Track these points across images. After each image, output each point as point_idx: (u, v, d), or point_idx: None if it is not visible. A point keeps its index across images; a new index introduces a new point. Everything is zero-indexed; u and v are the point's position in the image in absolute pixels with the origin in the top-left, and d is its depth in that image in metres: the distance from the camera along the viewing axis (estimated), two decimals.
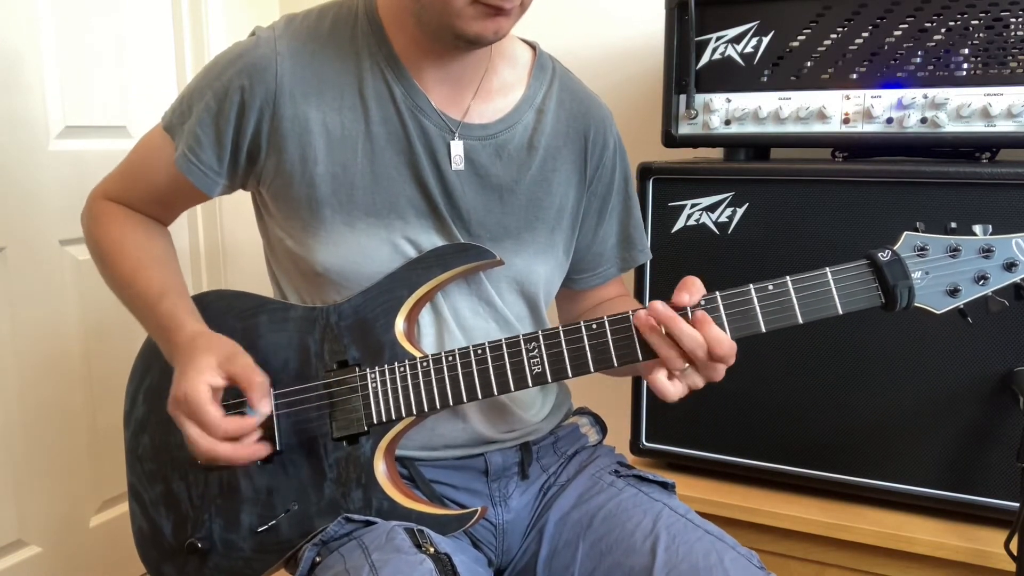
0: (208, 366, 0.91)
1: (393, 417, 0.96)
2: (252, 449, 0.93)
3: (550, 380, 0.92)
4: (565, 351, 0.92)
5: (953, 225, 0.87)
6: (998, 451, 1.21)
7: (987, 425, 1.22)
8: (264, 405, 0.93)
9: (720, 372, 0.89)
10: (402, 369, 0.96)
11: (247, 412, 0.92)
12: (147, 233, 1.08)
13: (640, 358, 0.90)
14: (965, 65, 1.22)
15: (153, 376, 1.07)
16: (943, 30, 1.22)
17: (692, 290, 0.88)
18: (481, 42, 0.93)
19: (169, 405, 0.93)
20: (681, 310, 0.87)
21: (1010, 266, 0.85)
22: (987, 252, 0.85)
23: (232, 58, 0.98)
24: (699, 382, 0.89)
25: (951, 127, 1.24)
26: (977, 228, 0.86)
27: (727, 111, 1.36)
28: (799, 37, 1.30)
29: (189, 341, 0.95)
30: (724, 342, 0.86)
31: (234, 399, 0.96)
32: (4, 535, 1.65)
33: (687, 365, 0.87)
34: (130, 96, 1.84)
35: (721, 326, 0.87)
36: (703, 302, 0.88)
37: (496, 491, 1.06)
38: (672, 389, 0.89)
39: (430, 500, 1.00)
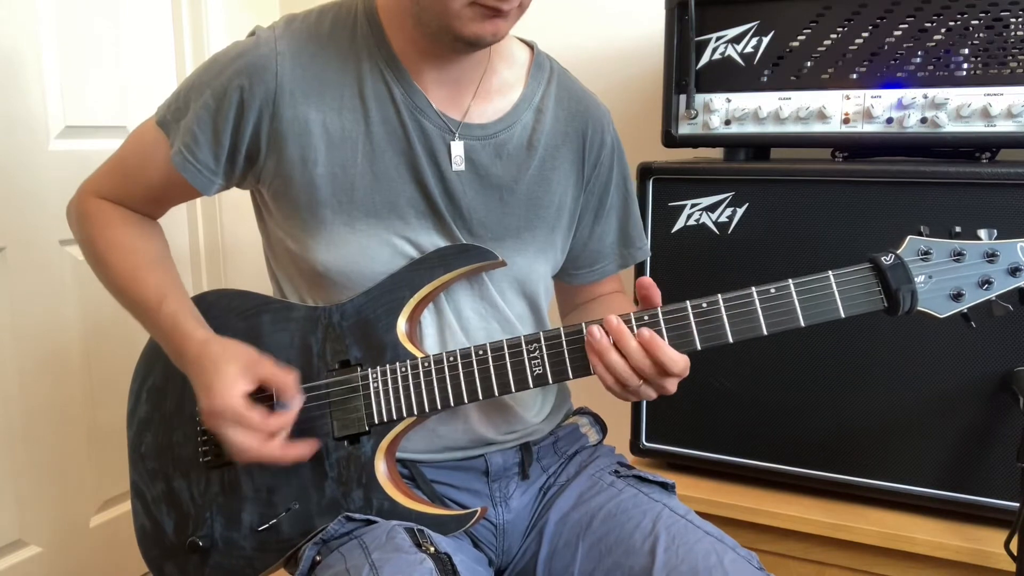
0: (235, 375, 0.93)
1: (394, 417, 0.96)
2: (301, 448, 0.95)
3: (551, 381, 0.92)
4: (566, 352, 0.92)
5: (958, 229, 0.87)
6: (998, 451, 1.21)
7: (987, 425, 1.22)
8: (298, 401, 0.96)
9: (672, 386, 0.91)
10: (403, 369, 0.96)
11: (276, 407, 0.95)
12: (141, 233, 1.07)
13: None
14: (965, 65, 1.22)
15: (156, 375, 1.07)
16: (943, 30, 1.22)
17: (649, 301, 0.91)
18: (480, 44, 0.93)
19: (205, 418, 0.94)
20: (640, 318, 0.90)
21: (1015, 271, 0.85)
22: (991, 256, 0.86)
23: (232, 57, 0.98)
24: (651, 394, 0.91)
25: (951, 127, 1.24)
26: (982, 232, 0.86)
27: (727, 111, 1.36)
28: (799, 37, 1.30)
29: (202, 353, 0.96)
30: (678, 362, 0.88)
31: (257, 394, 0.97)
32: (4, 535, 1.65)
33: (641, 382, 0.89)
34: (130, 96, 1.84)
35: (723, 329, 0.88)
36: (704, 304, 0.89)
37: (496, 491, 1.06)
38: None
39: (431, 500, 1.00)
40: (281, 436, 0.95)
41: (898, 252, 0.87)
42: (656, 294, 0.91)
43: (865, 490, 1.30)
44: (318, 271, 0.99)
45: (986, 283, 0.86)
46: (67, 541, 1.77)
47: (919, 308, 0.86)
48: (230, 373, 0.93)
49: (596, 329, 0.89)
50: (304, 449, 0.95)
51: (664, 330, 0.89)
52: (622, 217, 1.16)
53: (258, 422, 0.92)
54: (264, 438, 0.92)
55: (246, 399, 0.93)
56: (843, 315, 0.87)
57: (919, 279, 0.86)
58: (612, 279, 1.19)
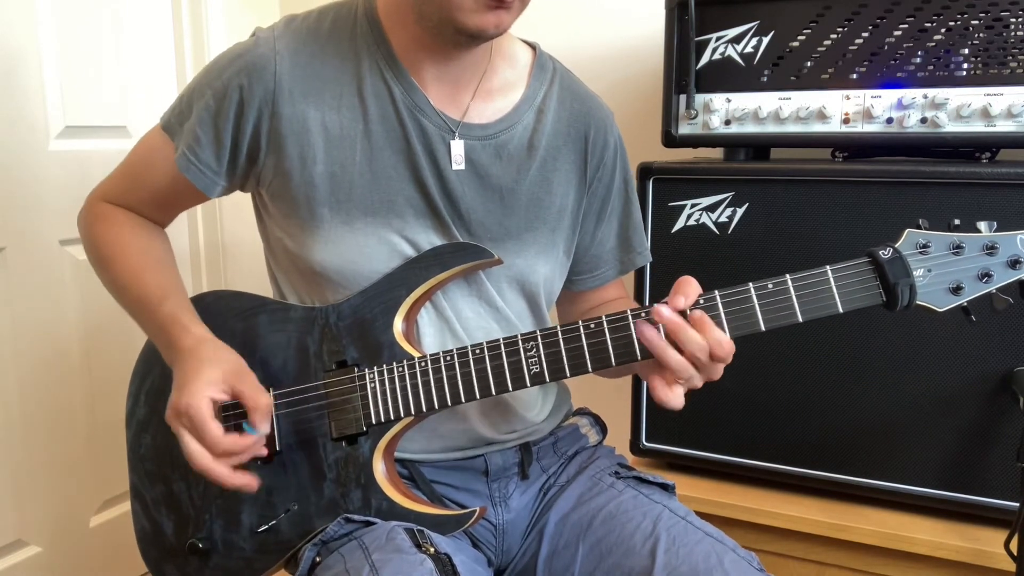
0: (212, 380, 0.91)
1: (392, 417, 0.96)
2: (245, 480, 0.92)
3: (548, 380, 0.92)
4: (563, 351, 0.91)
5: (956, 222, 0.86)
6: (998, 451, 1.21)
7: (987, 425, 1.22)
8: (265, 427, 0.92)
9: (719, 371, 0.89)
10: (400, 369, 0.96)
11: (245, 428, 0.92)
12: (147, 236, 1.08)
13: (639, 357, 0.90)
14: (965, 65, 1.22)
15: (155, 377, 1.07)
16: (943, 30, 1.22)
17: (688, 292, 0.88)
18: (482, 36, 0.93)
19: (168, 413, 0.92)
20: (679, 312, 0.87)
21: (1014, 263, 0.85)
22: (991, 249, 0.85)
23: (232, 58, 0.99)
24: (698, 383, 0.89)
25: (951, 127, 1.24)
26: (982, 225, 0.85)
27: (727, 111, 1.36)
28: (799, 37, 1.30)
29: (193, 348, 0.94)
30: (724, 343, 0.86)
31: (231, 408, 0.96)
32: (4, 535, 1.65)
33: (694, 372, 0.87)
34: (130, 96, 1.84)
35: (720, 325, 0.87)
36: (702, 301, 0.88)
37: (496, 491, 1.06)
38: (675, 396, 0.89)
39: (430, 500, 1.00)
40: (236, 459, 0.92)
41: (896, 246, 0.86)
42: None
43: (865, 490, 1.30)
44: (316, 270, 0.99)
45: (986, 276, 0.85)
46: (67, 541, 1.77)
47: (918, 302, 0.85)
48: (206, 377, 0.91)
49: (649, 330, 0.87)
50: (247, 480, 0.92)
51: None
52: (623, 221, 1.15)
53: (212, 437, 0.89)
54: (214, 455, 0.90)
55: (212, 407, 0.90)
56: (841, 310, 0.86)
57: (918, 272, 0.85)
58: (615, 285, 1.18)
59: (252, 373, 0.95)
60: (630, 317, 0.90)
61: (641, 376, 0.94)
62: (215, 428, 0.89)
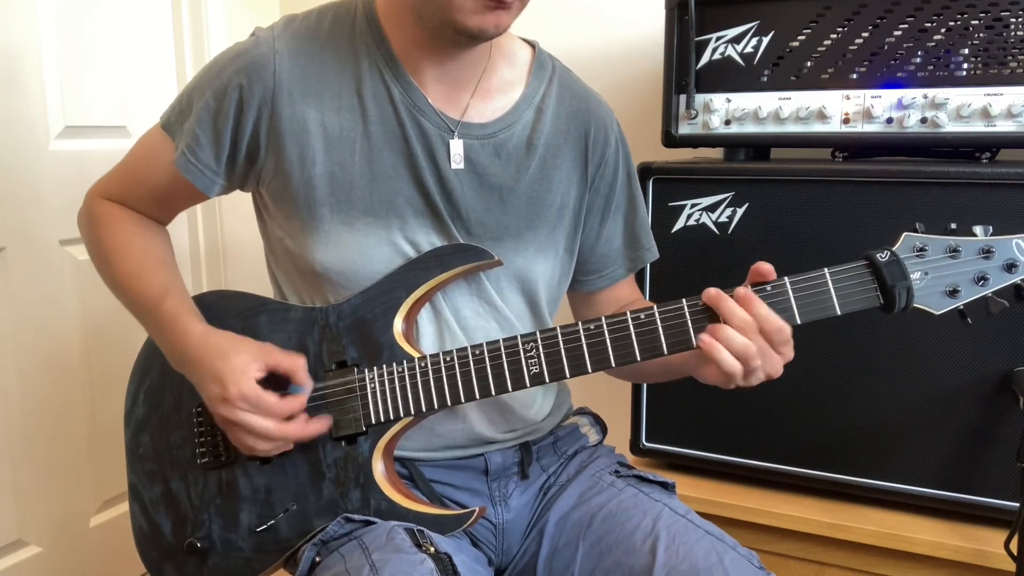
0: (247, 363, 0.93)
1: (391, 417, 0.96)
2: (319, 424, 0.95)
3: (548, 380, 0.92)
4: (563, 351, 0.92)
5: (953, 226, 0.87)
6: (998, 451, 1.21)
7: (987, 425, 1.22)
8: (310, 382, 0.96)
9: (776, 362, 0.89)
10: (400, 369, 0.96)
11: (292, 391, 0.95)
12: (147, 235, 1.08)
13: (638, 358, 0.90)
14: (965, 65, 1.22)
15: (153, 376, 1.07)
16: (943, 30, 1.22)
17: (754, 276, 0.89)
18: (482, 36, 0.93)
19: (218, 409, 0.93)
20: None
21: (1010, 267, 0.85)
22: (987, 253, 0.85)
23: (231, 57, 0.99)
24: (761, 376, 0.90)
25: (951, 127, 1.24)
26: (977, 229, 0.86)
27: (727, 111, 1.36)
28: (799, 37, 1.30)
29: (204, 341, 0.96)
30: (774, 320, 0.86)
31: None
32: (4, 535, 1.65)
33: (751, 350, 0.87)
34: (130, 96, 1.84)
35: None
36: (701, 304, 0.89)
37: (496, 491, 1.06)
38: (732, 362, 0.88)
39: (430, 500, 1.00)
40: (299, 418, 0.95)
41: (893, 249, 0.86)
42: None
43: (865, 490, 1.30)
44: (316, 270, 0.99)
45: (982, 279, 0.86)
46: (67, 541, 1.77)
47: (915, 304, 0.86)
48: (241, 361, 0.93)
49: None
50: (322, 424, 0.95)
51: (660, 326, 0.89)
52: (629, 218, 1.15)
53: (275, 405, 0.92)
54: (280, 421, 0.93)
55: (258, 385, 0.93)
56: (839, 312, 0.87)
57: (915, 275, 0.85)
58: (629, 285, 1.18)
59: (270, 343, 0.97)
60: (629, 318, 0.90)
61: (697, 375, 0.95)
62: (273, 398, 0.92)
